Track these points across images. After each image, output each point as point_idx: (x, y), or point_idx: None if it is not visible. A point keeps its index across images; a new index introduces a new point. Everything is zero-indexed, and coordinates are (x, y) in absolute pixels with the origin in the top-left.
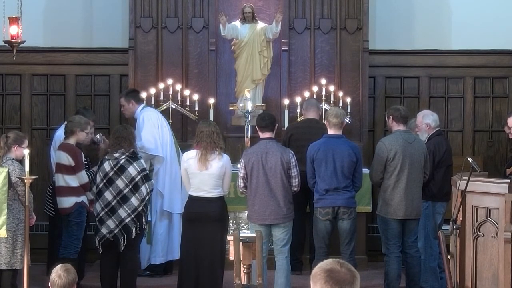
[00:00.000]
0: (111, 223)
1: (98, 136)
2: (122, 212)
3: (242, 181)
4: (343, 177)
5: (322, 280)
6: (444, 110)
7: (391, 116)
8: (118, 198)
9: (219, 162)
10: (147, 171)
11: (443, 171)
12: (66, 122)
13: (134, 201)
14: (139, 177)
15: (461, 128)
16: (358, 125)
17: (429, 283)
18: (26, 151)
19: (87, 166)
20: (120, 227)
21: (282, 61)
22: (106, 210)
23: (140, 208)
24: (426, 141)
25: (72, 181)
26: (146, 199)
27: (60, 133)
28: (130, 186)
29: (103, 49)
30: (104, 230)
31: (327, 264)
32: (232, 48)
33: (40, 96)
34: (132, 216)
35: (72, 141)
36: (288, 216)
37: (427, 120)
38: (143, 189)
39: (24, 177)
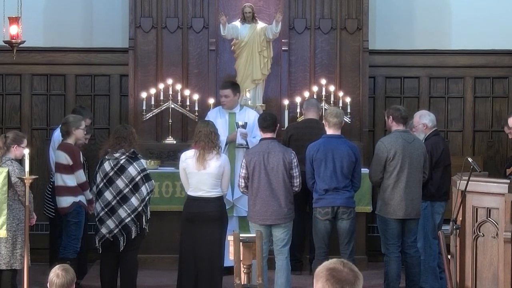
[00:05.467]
0: (110, 223)
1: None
2: (122, 212)
3: (243, 181)
4: (342, 177)
5: (324, 279)
6: (444, 110)
7: (391, 116)
8: (118, 198)
9: (217, 162)
10: (148, 171)
11: (441, 171)
12: (60, 126)
13: (134, 201)
14: (139, 177)
15: (461, 128)
16: (358, 125)
17: (429, 283)
18: (26, 151)
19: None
20: (120, 227)
21: (282, 61)
22: (106, 210)
23: (140, 208)
24: (423, 141)
25: (70, 180)
26: (146, 199)
27: (58, 133)
28: (130, 186)
29: (103, 49)
30: (104, 230)
31: (330, 263)
32: (232, 48)
33: (40, 96)
34: (132, 216)
35: (70, 141)
36: (289, 216)
37: (424, 120)
38: (143, 189)
39: (24, 177)
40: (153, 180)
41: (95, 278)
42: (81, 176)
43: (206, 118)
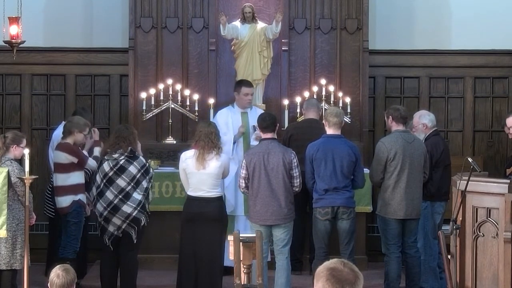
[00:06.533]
0: (116, 220)
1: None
2: (127, 208)
3: (243, 181)
4: (342, 177)
5: (324, 278)
6: (444, 110)
7: (390, 116)
8: (120, 196)
9: (217, 162)
10: (147, 165)
11: (441, 171)
12: (65, 122)
13: (136, 195)
14: (139, 174)
15: (461, 128)
16: (358, 125)
17: (429, 283)
18: (26, 151)
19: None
20: (128, 221)
21: (282, 61)
22: (108, 209)
23: (144, 199)
24: (423, 141)
25: (69, 179)
26: (148, 189)
27: (58, 133)
28: (132, 184)
29: (103, 49)
30: (111, 228)
31: (330, 263)
32: (232, 48)
33: (40, 96)
34: (138, 208)
35: (69, 141)
36: (289, 217)
37: (423, 120)
38: (144, 183)
39: (24, 177)
40: (151, 169)
41: (95, 278)
42: (80, 176)
43: (215, 119)
